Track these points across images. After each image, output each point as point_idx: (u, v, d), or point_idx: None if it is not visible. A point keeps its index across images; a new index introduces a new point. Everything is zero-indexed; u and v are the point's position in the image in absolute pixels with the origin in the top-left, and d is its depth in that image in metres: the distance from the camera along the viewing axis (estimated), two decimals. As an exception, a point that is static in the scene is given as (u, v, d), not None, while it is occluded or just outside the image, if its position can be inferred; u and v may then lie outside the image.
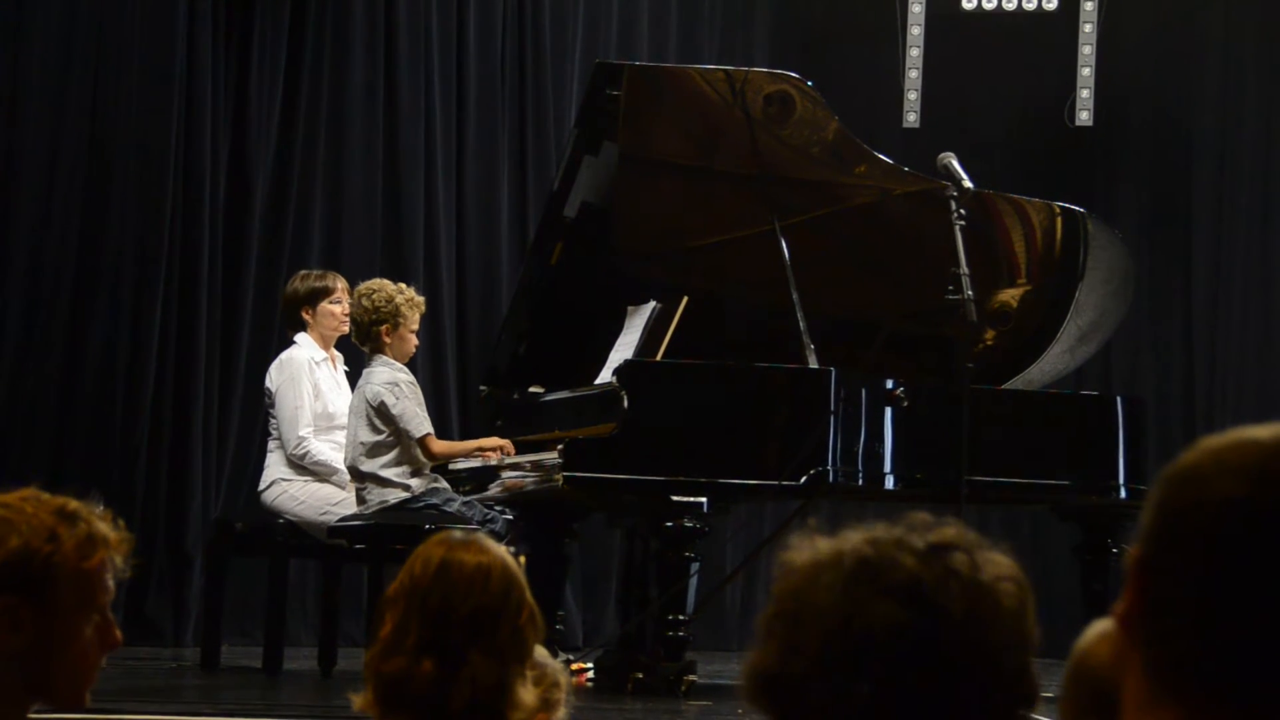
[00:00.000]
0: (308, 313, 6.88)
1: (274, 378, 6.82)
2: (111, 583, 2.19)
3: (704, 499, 5.91)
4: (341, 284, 6.89)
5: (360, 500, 6.39)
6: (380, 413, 6.28)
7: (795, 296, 6.28)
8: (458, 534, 2.56)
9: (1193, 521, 1.30)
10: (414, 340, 6.45)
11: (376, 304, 6.34)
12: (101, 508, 2.23)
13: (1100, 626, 1.93)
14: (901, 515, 1.44)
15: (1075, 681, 1.97)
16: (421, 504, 6.27)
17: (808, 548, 1.42)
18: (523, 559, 2.60)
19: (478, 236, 8.91)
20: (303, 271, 7.17)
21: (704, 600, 6.63)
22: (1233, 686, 1.28)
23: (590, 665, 6.48)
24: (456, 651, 2.40)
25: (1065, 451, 6.44)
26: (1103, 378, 9.19)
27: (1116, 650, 1.36)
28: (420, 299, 6.46)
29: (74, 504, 2.19)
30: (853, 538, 1.41)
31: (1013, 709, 1.39)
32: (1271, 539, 1.28)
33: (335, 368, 6.94)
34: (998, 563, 1.41)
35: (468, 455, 6.54)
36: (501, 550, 2.52)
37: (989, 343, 6.92)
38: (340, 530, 6.42)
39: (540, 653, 2.57)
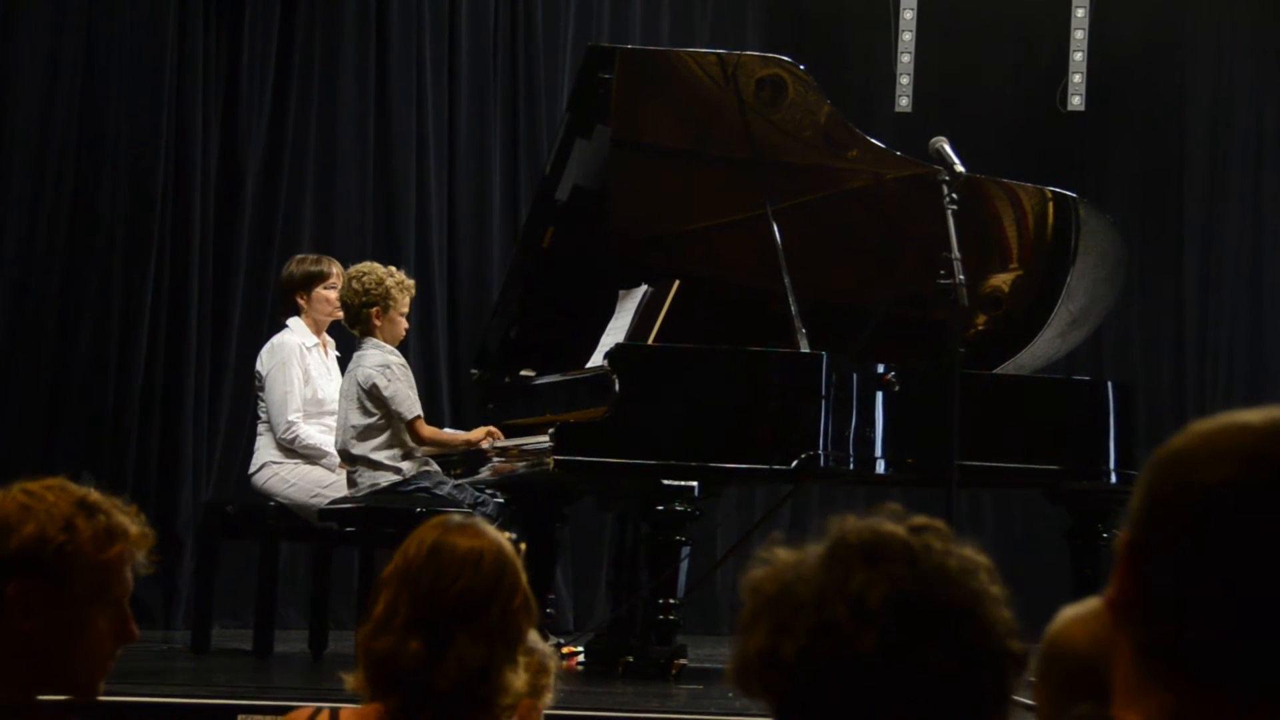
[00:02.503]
0: (302, 298, 6.88)
1: (264, 362, 6.82)
2: (130, 576, 2.21)
3: (695, 483, 5.91)
4: (337, 269, 6.89)
5: (351, 483, 6.38)
6: (372, 395, 6.27)
7: (787, 280, 6.27)
8: (455, 518, 2.56)
9: (1182, 505, 1.31)
10: (404, 323, 6.45)
11: (366, 286, 6.33)
12: (128, 504, 2.25)
13: (1071, 611, 1.93)
14: (874, 507, 1.45)
15: (1048, 665, 1.97)
16: (412, 487, 6.27)
17: (776, 556, 1.44)
18: (523, 546, 2.59)
19: (469, 220, 8.90)
20: (299, 255, 7.16)
21: (694, 584, 6.64)
22: (1222, 670, 1.29)
23: (581, 649, 6.49)
24: (444, 632, 2.41)
25: (1056, 436, 6.44)
26: (1094, 363, 9.19)
27: (1105, 635, 1.36)
28: (410, 282, 6.45)
29: (96, 496, 2.21)
30: (813, 548, 1.43)
31: (1005, 673, 1.39)
32: (1260, 522, 1.28)
33: (326, 353, 6.94)
34: (965, 546, 1.43)
35: (454, 447, 6.53)
36: (497, 536, 2.52)
37: (980, 327, 6.92)
38: (331, 513, 6.41)
39: (531, 636, 2.57)
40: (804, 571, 1.40)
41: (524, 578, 2.49)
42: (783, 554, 1.43)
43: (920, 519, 1.43)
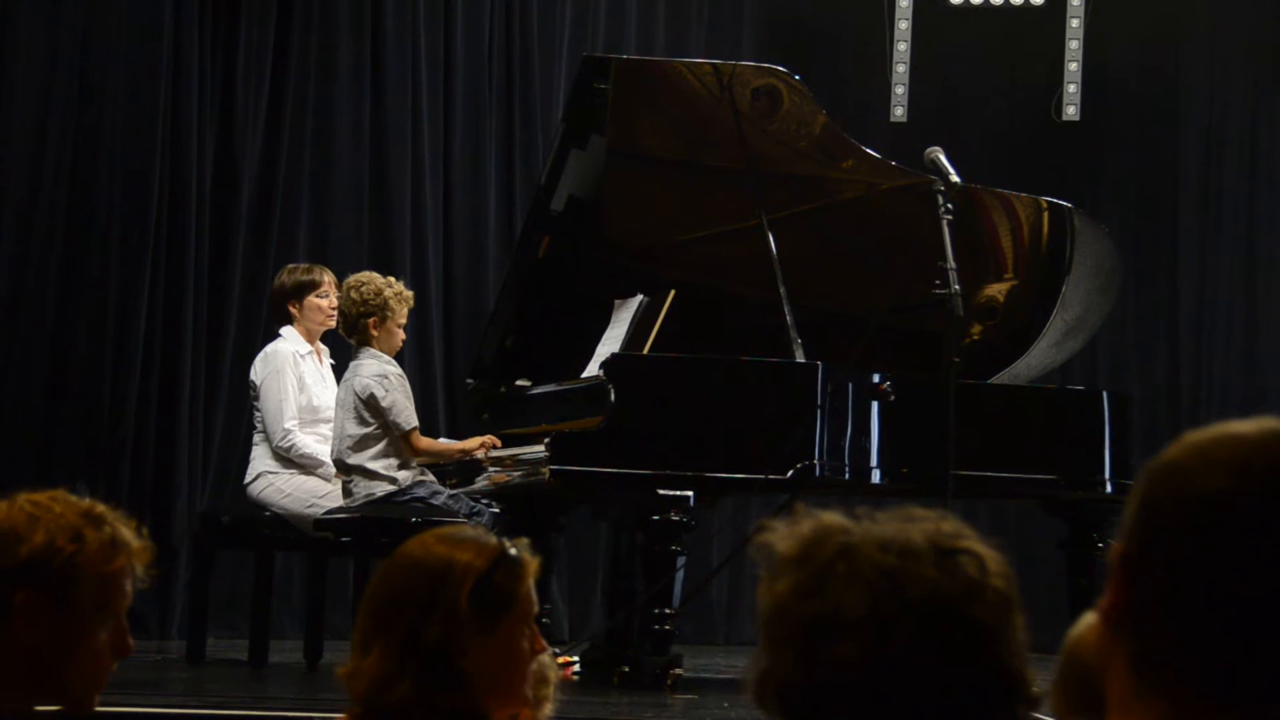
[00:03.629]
0: (294, 306, 6.88)
1: (259, 371, 6.82)
2: (130, 589, 2.21)
3: (690, 493, 5.91)
4: (328, 277, 6.90)
5: (346, 493, 6.38)
6: (369, 405, 6.28)
7: (782, 290, 6.28)
8: (449, 528, 2.52)
9: (1175, 515, 1.31)
10: (401, 334, 6.45)
11: (365, 296, 6.34)
12: (127, 516, 2.25)
13: (1092, 617, 1.94)
14: (893, 508, 1.43)
15: (1067, 671, 1.99)
16: (408, 497, 6.27)
17: (792, 536, 1.41)
18: (537, 559, 2.52)
19: (465, 230, 8.90)
20: (290, 265, 7.17)
21: (690, 594, 6.63)
22: (1215, 680, 1.29)
23: (576, 659, 6.48)
24: (364, 642, 2.39)
25: (1051, 446, 6.44)
26: (1089, 372, 9.20)
27: (1101, 644, 1.36)
28: (409, 293, 6.46)
29: (101, 507, 2.22)
30: (848, 528, 1.40)
31: (1015, 711, 1.39)
32: (1253, 532, 1.28)
33: (320, 361, 6.93)
34: (993, 558, 1.41)
35: (450, 457, 6.53)
36: (449, 551, 2.39)
37: (975, 337, 6.92)
38: (326, 523, 6.41)
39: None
40: (844, 601, 1.37)
41: (462, 593, 2.37)
42: (808, 535, 1.41)
43: (948, 529, 1.40)
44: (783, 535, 1.42)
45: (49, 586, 2.14)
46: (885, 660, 1.35)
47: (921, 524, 1.41)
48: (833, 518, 1.42)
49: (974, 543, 1.41)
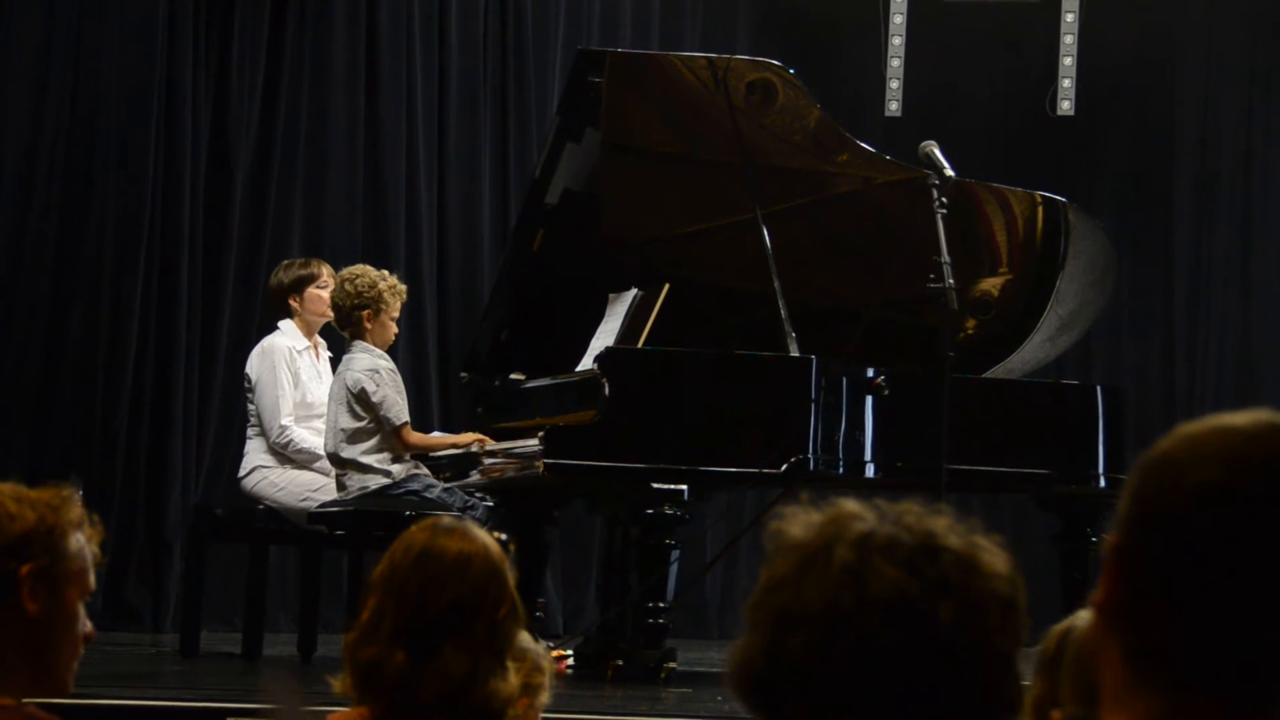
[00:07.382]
0: (294, 299, 6.87)
1: (254, 365, 6.81)
2: (92, 574, 2.26)
3: (684, 486, 5.91)
4: (326, 270, 6.89)
5: (340, 486, 6.38)
6: (360, 399, 6.27)
7: (777, 284, 6.28)
8: (445, 520, 2.54)
9: (1169, 507, 1.31)
10: (394, 328, 6.44)
11: (359, 289, 6.33)
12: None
13: None
14: (895, 502, 1.42)
15: (1077, 665, 1.99)
16: (402, 490, 6.27)
17: (800, 523, 1.40)
18: (512, 546, 2.57)
19: (459, 224, 8.90)
20: (285, 262, 7.15)
21: (684, 588, 6.64)
22: (1209, 673, 1.29)
23: (570, 652, 6.48)
24: (430, 644, 2.39)
25: (1045, 440, 6.45)
26: (1083, 367, 9.20)
27: (1094, 637, 1.36)
28: (402, 286, 6.45)
29: (67, 489, 2.29)
30: (844, 521, 1.39)
31: (996, 716, 1.38)
32: (1246, 525, 1.28)
33: (318, 356, 6.92)
34: (990, 558, 1.38)
35: (441, 450, 6.53)
36: (486, 539, 2.48)
37: (970, 331, 6.93)
38: (320, 516, 6.41)
39: (523, 637, 2.56)
40: (806, 593, 1.36)
41: (511, 582, 2.45)
42: (815, 524, 1.40)
43: (941, 527, 1.38)
44: (793, 523, 1.41)
45: (45, 560, 2.20)
46: (835, 655, 1.34)
47: (923, 521, 1.39)
48: (844, 509, 1.40)
49: (971, 544, 1.38)
